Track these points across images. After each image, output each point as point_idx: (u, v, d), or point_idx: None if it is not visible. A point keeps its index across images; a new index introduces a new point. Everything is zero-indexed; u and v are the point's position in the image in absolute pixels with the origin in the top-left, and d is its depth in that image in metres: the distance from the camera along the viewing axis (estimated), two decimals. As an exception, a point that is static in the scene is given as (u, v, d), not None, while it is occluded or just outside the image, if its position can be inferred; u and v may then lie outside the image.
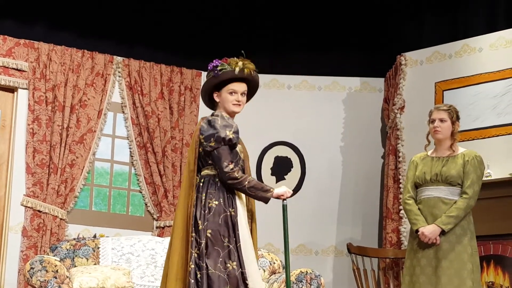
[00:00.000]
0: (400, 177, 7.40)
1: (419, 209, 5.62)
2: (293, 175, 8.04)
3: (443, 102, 7.13)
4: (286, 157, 8.06)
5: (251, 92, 4.92)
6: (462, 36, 7.31)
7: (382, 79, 8.05)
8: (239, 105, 4.85)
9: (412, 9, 7.80)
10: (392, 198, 7.48)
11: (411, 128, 7.41)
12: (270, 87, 8.12)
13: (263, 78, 8.15)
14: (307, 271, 6.26)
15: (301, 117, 8.07)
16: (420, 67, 7.57)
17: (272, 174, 8.00)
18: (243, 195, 4.79)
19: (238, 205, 4.74)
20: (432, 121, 5.69)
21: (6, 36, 7.19)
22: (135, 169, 7.70)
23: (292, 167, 8.07)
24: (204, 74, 7.80)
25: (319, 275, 6.27)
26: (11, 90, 7.29)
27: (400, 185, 7.36)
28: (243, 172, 4.82)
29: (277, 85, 8.18)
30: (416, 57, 7.61)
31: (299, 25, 8.15)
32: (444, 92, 7.29)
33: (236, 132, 4.75)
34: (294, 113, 8.09)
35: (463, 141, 6.72)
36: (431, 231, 5.47)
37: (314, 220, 7.89)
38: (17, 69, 7.22)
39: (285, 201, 4.85)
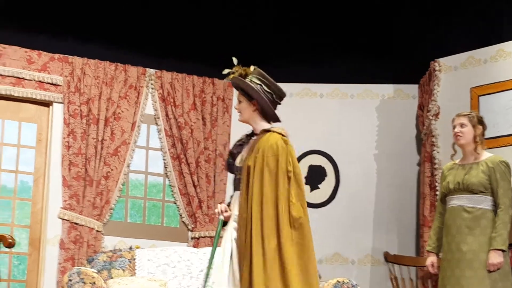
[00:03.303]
0: (437, 184, 7.33)
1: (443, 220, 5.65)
2: (327, 184, 8.00)
3: (478, 107, 7.06)
4: (320, 166, 8.03)
5: (246, 94, 4.81)
6: (496, 40, 7.24)
7: (416, 86, 8.00)
8: (239, 113, 4.83)
9: (444, 14, 7.74)
10: (428, 206, 7.42)
11: (446, 135, 7.33)
12: (302, 96, 8.10)
13: (295, 87, 8.22)
14: (343, 281, 6.23)
15: (335, 126, 8.05)
16: (454, 72, 7.51)
17: (306, 183, 7.97)
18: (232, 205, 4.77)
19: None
20: (453, 128, 5.68)
21: (41, 51, 7.27)
22: (169, 180, 7.73)
23: (326, 176, 8.04)
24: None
25: (355, 284, 6.23)
26: (47, 104, 7.35)
27: (437, 192, 7.29)
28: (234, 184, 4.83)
29: (309, 94, 8.17)
30: (450, 63, 7.55)
31: (331, 33, 8.12)
32: (480, 97, 7.21)
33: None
34: (327, 121, 8.06)
35: (499, 147, 6.65)
36: (497, 258, 5.40)
37: (349, 228, 7.84)
38: (52, 84, 7.29)
39: (220, 216, 4.86)
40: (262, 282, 4.36)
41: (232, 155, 4.88)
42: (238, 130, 7.75)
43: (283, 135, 4.69)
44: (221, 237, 4.79)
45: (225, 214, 4.79)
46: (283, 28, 8.10)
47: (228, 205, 4.89)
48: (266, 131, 4.73)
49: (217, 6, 7.92)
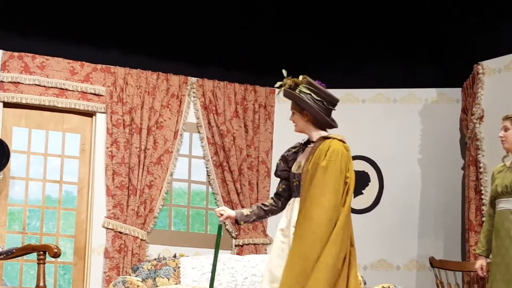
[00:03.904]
0: (482, 188, 7.23)
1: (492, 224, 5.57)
2: (371, 190, 7.95)
3: (524, 110, 6.96)
4: (364, 171, 7.98)
5: (297, 106, 4.82)
6: (540, 41, 7.14)
7: (459, 89, 7.91)
8: (294, 124, 4.86)
9: (486, 17, 7.64)
10: (474, 210, 7.32)
11: (491, 138, 7.24)
12: (344, 102, 8.06)
13: (337, 93, 8.11)
14: (389, 286, 6.17)
15: (377, 131, 7.99)
16: (498, 75, 7.40)
17: (350, 189, 7.91)
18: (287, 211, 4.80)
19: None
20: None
21: (83, 62, 7.35)
22: (212, 188, 7.74)
23: (369, 181, 7.99)
24: (277, 91, 7.80)
25: (401, 290, 6.17)
26: (90, 114, 7.43)
27: (482, 196, 7.19)
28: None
29: (351, 100, 8.13)
30: (494, 66, 7.45)
31: (372, 38, 8.07)
32: (525, 100, 7.11)
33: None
34: (370, 126, 8.00)
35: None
36: None
37: (394, 234, 7.78)
38: (95, 94, 7.37)
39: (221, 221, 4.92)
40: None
41: (287, 161, 4.89)
42: (280, 136, 7.78)
43: (343, 142, 4.71)
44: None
45: (221, 218, 4.90)
46: (324, 34, 8.07)
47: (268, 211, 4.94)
48: (325, 138, 4.75)
49: (258, 15, 7.93)
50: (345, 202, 4.56)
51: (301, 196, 4.66)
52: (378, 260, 7.76)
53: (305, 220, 4.51)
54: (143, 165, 7.37)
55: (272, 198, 4.97)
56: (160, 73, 7.63)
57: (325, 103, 4.76)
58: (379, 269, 7.71)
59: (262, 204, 4.97)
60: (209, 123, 7.75)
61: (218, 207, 7.69)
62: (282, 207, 4.90)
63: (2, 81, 7.01)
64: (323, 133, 4.80)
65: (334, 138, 4.72)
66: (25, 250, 5.51)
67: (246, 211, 4.95)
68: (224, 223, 4.93)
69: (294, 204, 4.75)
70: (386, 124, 8.00)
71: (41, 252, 5.33)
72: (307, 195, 4.58)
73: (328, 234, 4.46)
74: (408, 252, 7.74)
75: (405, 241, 7.76)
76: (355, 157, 7.92)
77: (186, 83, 7.74)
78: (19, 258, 5.97)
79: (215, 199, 7.73)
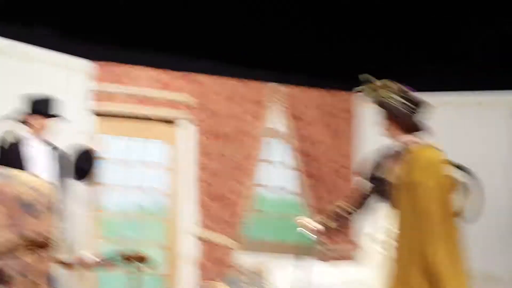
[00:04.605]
0: None
1: None
2: (471, 200, 7.75)
3: None
4: (456, 178, 7.78)
5: (385, 111, 4.74)
6: None
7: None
8: (382, 129, 4.78)
9: None
10: None
11: None
12: (433, 106, 7.90)
13: (425, 97, 7.99)
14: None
15: (476, 138, 7.80)
16: None
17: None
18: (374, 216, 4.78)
19: None
20: None
21: (171, 71, 7.39)
22: (302, 197, 7.71)
23: (463, 188, 7.79)
24: (360, 96, 7.74)
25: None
26: (180, 123, 7.45)
27: None
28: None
29: (440, 103, 7.96)
30: None
31: (460, 40, 7.91)
32: None
33: None
34: (468, 134, 7.82)
35: None
36: None
37: (496, 244, 7.58)
38: (179, 102, 7.40)
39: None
40: None
41: (374, 166, 4.79)
42: (366, 142, 7.68)
43: (436, 148, 4.60)
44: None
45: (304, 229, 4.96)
46: (405, 37, 7.95)
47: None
48: (416, 143, 4.63)
49: (339, 21, 7.85)
50: (448, 210, 4.44)
51: (393, 203, 4.57)
52: (480, 271, 7.54)
53: (413, 230, 4.40)
54: (232, 174, 7.36)
55: (352, 201, 4.91)
56: (244, 80, 7.63)
57: (413, 107, 4.70)
58: (483, 281, 7.50)
59: (341, 209, 4.92)
60: (294, 129, 7.70)
61: (306, 215, 7.66)
62: (362, 210, 4.87)
63: (94, 92, 7.11)
64: (413, 138, 4.73)
65: (425, 145, 4.65)
66: (120, 260, 5.58)
67: (327, 220, 4.95)
68: (310, 232, 4.95)
69: (382, 210, 4.69)
70: (483, 131, 7.81)
71: (136, 262, 5.40)
72: (407, 205, 4.49)
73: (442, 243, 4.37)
74: (510, 262, 7.52)
75: (508, 250, 7.51)
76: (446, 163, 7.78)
77: (270, 89, 7.71)
78: (114, 267, 6.05)
79: (304, 207, 7.68)
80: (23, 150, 5.87)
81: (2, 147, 5.94)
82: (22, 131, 6.05)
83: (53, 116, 5.99)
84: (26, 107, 5.99)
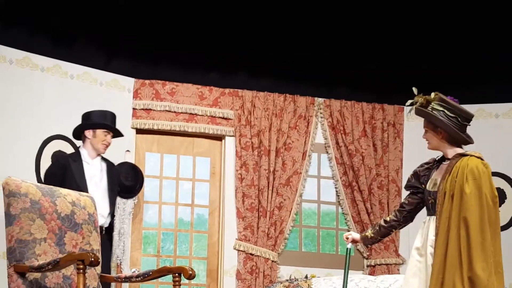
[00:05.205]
0: None
1: None
2: (508, 207, 7.67)
3: None
4: (499, 188, 7.71)
5: (430, 123, 4.72)
6: None
7: None
8: (427, 142, 4.77)
9: None
10: None
11: None
12: (477, 118, 7.78)
13: (468, 108, 7.91)
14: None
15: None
16: None
17: (485, 208, 7.66)
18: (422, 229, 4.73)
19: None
20: None
21: (212, 87, 7.49)
22: (342, 208, 7.69)
23: (505, 198, 7.72)
24: (406, 109, 7.69)
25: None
26: (219, 138, 7.55)
27: None
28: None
29: (483, 115, 7.89)
30: None
31: (503, 50, 7.82)
32: None
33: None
34: (505, 142, 7.72)
35: None
36: None
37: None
38: (223, 118, 7.49)
39: (349, 244, 5.06)
40: None
41: (418, 177, 4.80)
42: (410, 155, 7.64)
43: (482, 159, 4.60)
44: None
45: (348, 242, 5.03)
46: (453, 47, 7.88)
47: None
48: (462, 155, 4.64)
49: (384, 36, 7.86)
50: (494, 221, 4.48)
51: (438, 215, 4.57)
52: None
53: (457, 240, 4.43)
54: (272, 187, 7.41)
55: (394, 211, 4.92)
56: (287, 94, 7.67)
57: (459, 119, 4.69)
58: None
59: (384, 220, 4.93)
60: (337, 143, 7.72)
61: (348, 227, 7.65)
62: (404, 221, 4.87)
63: (134, 108, 7.24)
64: (459, 150, 4.70)
65: (471, 155, 4.62)
66: (161, 272, 5.58)
67: (370, 233, 4.96)
68: (355, 245, 4.98)
69: (430, 223, 4.67)
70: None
71: (176, 274, 5.40)
72: (453, 217, 4.49)
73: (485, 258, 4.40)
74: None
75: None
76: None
77: (313, 103, 7.75)
78: (154, 280, 6.09)
79: (345, 219, 7.68)
80: (78, 168, 5.83)
81: (56, 165, 5.96)
82: (78, 148, 6.06)
83: (116, 131, 5.96)
84: (84, 123, 5.92)
